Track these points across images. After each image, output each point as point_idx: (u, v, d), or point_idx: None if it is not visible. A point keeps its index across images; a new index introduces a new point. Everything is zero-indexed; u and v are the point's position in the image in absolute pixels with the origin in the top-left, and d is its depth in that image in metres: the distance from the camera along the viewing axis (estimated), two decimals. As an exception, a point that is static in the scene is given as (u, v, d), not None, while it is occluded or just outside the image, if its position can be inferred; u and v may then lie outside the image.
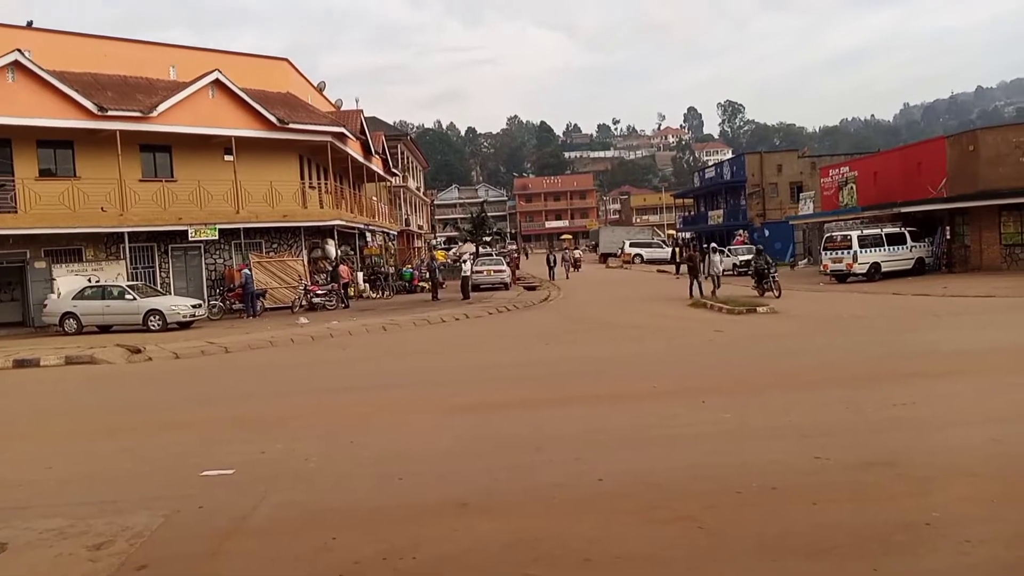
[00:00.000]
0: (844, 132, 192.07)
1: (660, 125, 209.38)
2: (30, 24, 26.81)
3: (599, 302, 27.52)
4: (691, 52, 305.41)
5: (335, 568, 4.93)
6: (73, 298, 22.51)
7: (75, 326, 22.26)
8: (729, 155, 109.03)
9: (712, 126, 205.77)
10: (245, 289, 25.73)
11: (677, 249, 46.01)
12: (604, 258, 62.82)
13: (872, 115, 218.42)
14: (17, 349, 18.58)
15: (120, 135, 24.84)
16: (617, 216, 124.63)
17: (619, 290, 33.31)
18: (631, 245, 59.31)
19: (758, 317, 19.67)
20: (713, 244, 28.90)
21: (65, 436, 9.71)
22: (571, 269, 46.10)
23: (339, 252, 31.35)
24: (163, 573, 5.03)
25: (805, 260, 43.14)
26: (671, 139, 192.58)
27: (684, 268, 38.18)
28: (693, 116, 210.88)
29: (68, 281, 23.49)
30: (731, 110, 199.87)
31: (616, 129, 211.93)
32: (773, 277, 23.66)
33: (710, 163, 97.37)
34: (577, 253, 54.65)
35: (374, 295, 33.04)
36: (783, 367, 12.53)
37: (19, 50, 23.12)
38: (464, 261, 34.93)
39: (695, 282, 25.56)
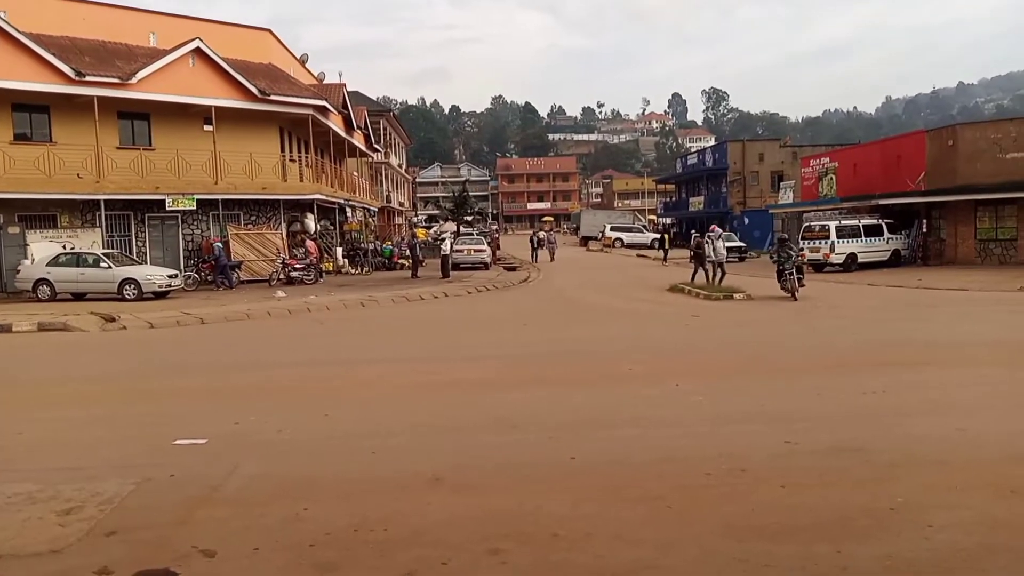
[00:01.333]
0: (826, 123, 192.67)
1: (644, 110, 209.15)
2: (6, -16, 26.24)
3: (578, 285, 27.57)
4: (677, 38, 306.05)
5: (307, 538, 4.93)
6: (47, 264, 22.23)
7: (48, 293, 22.01)
8: (712, 142, 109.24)
9: (696, 113, 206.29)
10: (217, 262, 25.55)
11: (667, 236, 45.34)
12: (585, 241, 62.87)
13: (855, 107, 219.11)
14: (-12, 314, 18.33)
15: (98, 101, 24.46)
16: (599, 200, 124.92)
17: (599, 274, 33.37)
18: (612, 229, 59.47)
19: (735, 303, 19.82)
20: (716, 229, 26.17)
21: (36, 402, 9.61)
22: (539, 250, 42.88)
23: (317, 227, 31.14)
24: (132, 539, 5.00)
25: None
26: (655, 124, 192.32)
27: (670, 254, 38.62)
28: (677, 102, 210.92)
29: (43, 247, 23.21)
30: (715, 97, 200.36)
31: (600, 113, 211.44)
32: (789, 274, 20.21)
33: (693, 149, 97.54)
34: (541, 234, 49.07)
35: (353, 271, 32.93)
36: (757, 353, 12.64)
37: (-5, 10, 22.68)
38: (444, 240, 34.81)
39: (699, 269, 25.19)
